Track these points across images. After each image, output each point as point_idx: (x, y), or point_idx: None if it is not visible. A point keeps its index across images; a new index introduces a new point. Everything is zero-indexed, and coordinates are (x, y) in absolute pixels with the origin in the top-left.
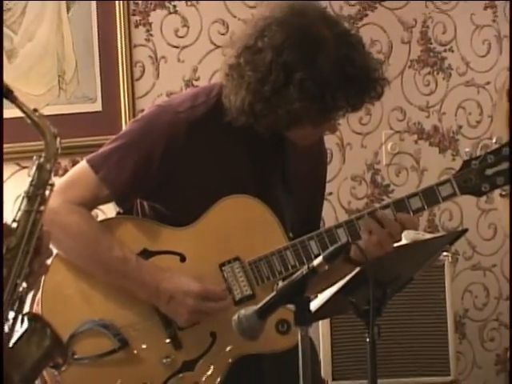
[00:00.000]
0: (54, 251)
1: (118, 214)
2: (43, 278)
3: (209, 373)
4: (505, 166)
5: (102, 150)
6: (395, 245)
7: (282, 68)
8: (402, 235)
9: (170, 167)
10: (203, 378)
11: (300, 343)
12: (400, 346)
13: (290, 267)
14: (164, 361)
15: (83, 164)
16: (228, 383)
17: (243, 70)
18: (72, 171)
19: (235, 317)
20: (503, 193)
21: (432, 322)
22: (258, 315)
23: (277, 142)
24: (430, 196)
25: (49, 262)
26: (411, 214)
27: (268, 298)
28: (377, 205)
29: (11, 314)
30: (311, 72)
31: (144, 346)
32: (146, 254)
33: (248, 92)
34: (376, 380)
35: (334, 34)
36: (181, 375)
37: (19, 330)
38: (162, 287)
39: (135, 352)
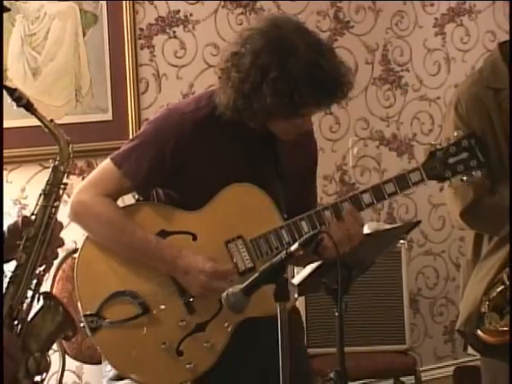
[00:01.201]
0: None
1: (138, 200)
2: (77, 256)
3: (218, 333)
4: (464, 155)
5: (122, 149)
6: None
7: (259, 69)
8: (366, 226)
9: (180, 160)
10: (213, 337)
11: (279, 316)
12: (364, 319)
13: (285, 243)
14: (180, 323)
15: (107, 162)
16: (233, 341)
17: (230, 72)
18: (97, 169)
19: (224, 294)
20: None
21: (390, 299)
22: (244, 293)
23: (268, 139)
24: (402, 182)
25: (59, 249)
26: (386, 197)
27: (252, 278)
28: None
29: (30, 293)
30: (282, 73)
31: (163, 312)
32: (163, 233)
33: (233, 90)
34: (343, 347)
35: (306, 43)
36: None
37: (36, 307)
38: (179, 263)
39: (156, 316)
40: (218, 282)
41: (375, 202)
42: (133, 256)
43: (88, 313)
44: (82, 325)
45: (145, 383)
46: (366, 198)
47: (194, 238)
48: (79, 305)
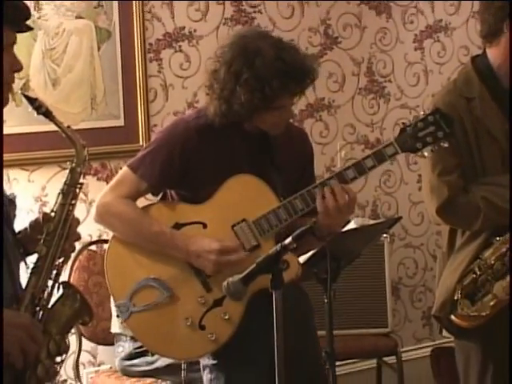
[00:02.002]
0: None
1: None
2: (105, 254)
3: (233, 306)
4: (432, 129)
5: (136, 156)
6: (347, 228)
7: (233, 75)
8: (353, 221)
9: (187, 160)
10: (230, 310)
11: (274, 303)
12: (350, 305)
13: (283, 221)
14: (199, 300)
15: (125, 169)
16: (248, 312)
17: (212, 86)
18: (117, 176)
19: (225, 283)
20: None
21: (374, 287)
22: (242, 282)
23: (262, 137)
24: (379, 156)
25: (76, 243)
26: (367, 170)
27: (250, 269)
28: None
29: (50, 283)
30: (252, 73)
31: (183, 292)
32: (177, 226)
33: (216, 100)
34: (332, 330)
35: (268, 43)
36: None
37: (56, 295)
38: (190, 249)
39: (178, 297)
40: (226, 257)
41: (358, 176)
42: (152, 247)
43: (120, 302)
44: (115, 314)
45: (175, 357)
46: (350, 173)
47: (205, 226)
48: (111, 297)
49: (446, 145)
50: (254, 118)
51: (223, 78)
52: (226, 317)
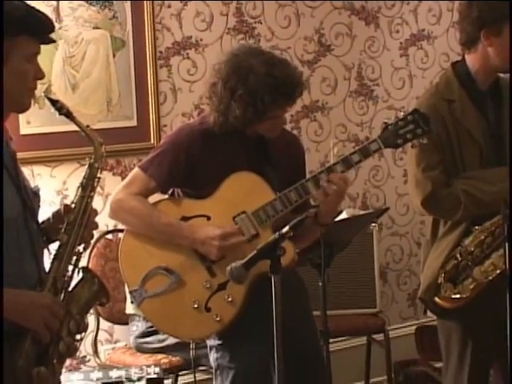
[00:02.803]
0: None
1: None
2: (120, 246)
3: (236, 289)
4: (411, 127)
5: (146, 158)
6: (339, 218)
7: (228, 91)
8: (344, 212)
9: (193, 163)
10: (233, 293)
11: (273, 286)
12: (342, 288)
13: (279, 211)
14: (205, 284)
15: (136, 169)
16: (249, 295)
17: (211, 98)
18: (129, 175)
19: (228, 268)
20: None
21: (364, 271)
22: (244, 267)
23: (261, 141)
24: (364, 151)
25: (94, 232)
26: (354, 164)
27: (250, 255)
28: None
29: (70, 268)
30: (246, 89)
31: (190, 278)
32: (184, 219)
33: (215, 112)
34: (326, 311)
35: (259, 60)
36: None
37: (76, 278)
38: (196, 237)
39: (185, 282)
40: (228, 242)
41: (345, 169)
42: (161, 238)
43: (133, 289)
44: (129, 300)
45: (184, 338)
46: (338, 167)
47: (208, 218)
48: (125, 284)
49: (424, 141)
50: (249, 127)
51: (220, 92)
52: (230, 299)
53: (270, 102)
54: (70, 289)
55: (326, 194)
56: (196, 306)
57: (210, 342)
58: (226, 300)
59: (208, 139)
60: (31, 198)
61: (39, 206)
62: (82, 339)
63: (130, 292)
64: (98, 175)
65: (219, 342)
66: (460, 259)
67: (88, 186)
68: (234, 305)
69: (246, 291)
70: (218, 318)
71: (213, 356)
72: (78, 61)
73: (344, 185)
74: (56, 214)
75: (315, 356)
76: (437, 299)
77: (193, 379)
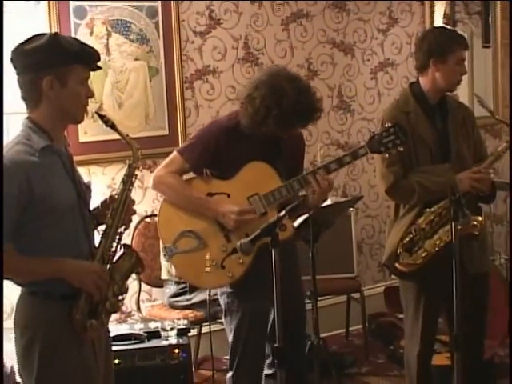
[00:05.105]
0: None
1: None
2: (159, 209)
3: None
4: (392, 137)
5: (184, 144)
6: (325, 203)
7: (264, 108)
8: (329, 199)
9: (219, 151)
10: (243, 257)
11: (273, 256)
12: (327, 258)
13: (284, 196)
14: (222, 248)
15: (174, 153)
16: (255, 258)
17: (247, 106)
18: (169, 157)
19: (238, 243)
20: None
21: (344, 245)
22: (251, 242)
23: (274, 139)
24: (354, 154)
25: (133, 217)
26: (345, 164)
27: (255, 233)
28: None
29: (114, 244)
30: (279, 110)
31: (211, 241)
32: (210, 194)
33: (250, 118)
34: (315, 276)
35: (291, 87)
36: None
37: (119, 253)
38: (219, 210)
39: (207, 245)
40: (243, 217)
41: (338, 168)
42: (191, 208)
43: (166, 245)
44: (162, 253)
45: (203, 286)
46: (333, 166)
47: (228, 196)
48: (161, 241)
49: (401, 149)
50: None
51: (258, 107)
52: (240, 261)
53: (297, 122)
54: (114, 260)
55: (313, 189)
56: (214, 263)
57: (223, 289)
58: (237, 261)
59: (233, 134)
60: (84, 191)
61: (91, 197)
62: (123, 299)
63: (164, 247)
64: (136, 173)
65: (230, 290)
66: (414, 234)
67: (128, 182)
68: (243, 265)
69: (253, 256)
70: (230, 274)
71: (224, 300)
72: (122, 85)
73: (324, 185)
74: (104, 203)
75: (299, 303)
76: (397, 265)
77: (214, 329)
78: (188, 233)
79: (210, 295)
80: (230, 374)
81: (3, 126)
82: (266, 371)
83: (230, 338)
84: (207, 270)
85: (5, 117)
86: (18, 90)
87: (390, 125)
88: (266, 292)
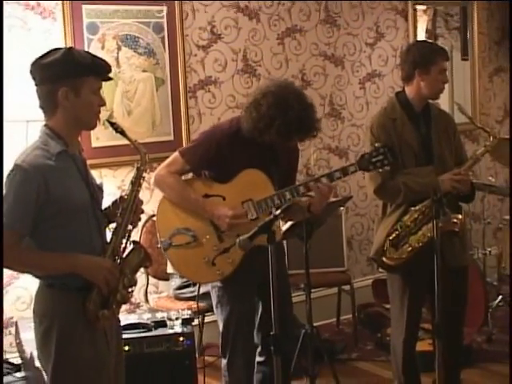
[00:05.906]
0: (154, 207)
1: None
2: (157, 206)
3: (235, 254)
4: (380, 157)
5: (186, 146)
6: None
7: (268, 117)
8: None
9: (219, 155)
10: (233, 256)
11: (269, 251)
12: (320, 253)
13: (275, 204)
14: (214, 247)
15: (176, 153)
16: (244, 261)
17: (251, 112)
18: (170, 157)
19: (237, 240)
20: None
21: (336, 241)
22: (250, 239)
23: (271, 146)
24: (345, 171)
25: (141, 216)
26: (335, 179)
27: (253, 230)
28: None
29: (124, 241)
30: (284, 121)
31: (205, 240)
32: (206, 196)
33: (252, 124)
34: (308, 269)
35: (298, 102)
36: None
37: (128, 248)
38: (214, 212)
39: (201, 242)
40: (236, 221)
41: (329, 181)
42: (188, 207)
43: (163, 240)
44: (158, 245)
45: (194, 280)
46: (324, 180)
47: (224, 198)
48: (158, 234)
49: (387, 168)
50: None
51: (263, 114)
52: (230, 260)
53: (296, 135)
54: (124, 255)
55: (321, 192)
56: (206, 260)
57: (214, 283)
58: (227, 261)
59: (233, 139)
60: (97, 192)
61: (103, 197)
62: (132, 291)
63: (161, 241)
64: (144, 175)
65: (220, 285)
66: (400, 230)
67: (136, 183)
68: (233, 265)
69: (241, 257)
70: (219, 272)
71: (214, 293)
72: (131, 94)
73: (329, 190)
74: (114, 203)
75: (287, 299)
76: (384, 259)
77: (215, 319)
78: (184, 230)
79: (199, 290)
80: (224, 361)
81: (3, 130)
82: (258, 358)
83: (221, 328)
84: (199, 265)
85: (24, 124)
86: (37, 100)
87: (380, 145)
88: (253, 286)
